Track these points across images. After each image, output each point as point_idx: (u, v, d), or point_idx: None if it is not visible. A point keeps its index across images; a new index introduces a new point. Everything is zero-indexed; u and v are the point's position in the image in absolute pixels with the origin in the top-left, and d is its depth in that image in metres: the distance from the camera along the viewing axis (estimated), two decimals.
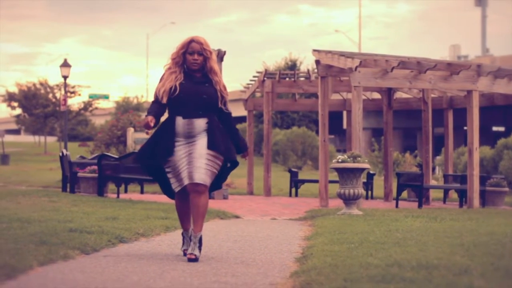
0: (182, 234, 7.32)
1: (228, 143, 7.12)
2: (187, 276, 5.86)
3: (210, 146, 6.97)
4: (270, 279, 5.84)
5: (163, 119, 7.25)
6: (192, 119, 7.00)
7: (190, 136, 6.99)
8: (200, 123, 7.01)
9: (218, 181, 7.28)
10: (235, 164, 7.29)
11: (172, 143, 6.99)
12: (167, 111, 7.19)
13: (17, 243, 6.82)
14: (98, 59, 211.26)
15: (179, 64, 7.13)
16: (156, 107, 7.10)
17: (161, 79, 7.17)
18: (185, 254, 7.16)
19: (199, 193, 6.93)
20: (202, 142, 6.97)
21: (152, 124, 6.95)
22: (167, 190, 7.33)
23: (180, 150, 6.97)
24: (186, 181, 6.92)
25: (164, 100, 7.03)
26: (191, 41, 7.11)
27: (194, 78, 7.12)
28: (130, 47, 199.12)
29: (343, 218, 11.93)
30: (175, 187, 7.04)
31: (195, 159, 6.91)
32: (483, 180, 17.29)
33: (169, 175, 7.07)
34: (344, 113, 37.93)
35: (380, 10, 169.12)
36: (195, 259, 6.84)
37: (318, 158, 17.49)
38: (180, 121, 7.01)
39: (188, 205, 7.10)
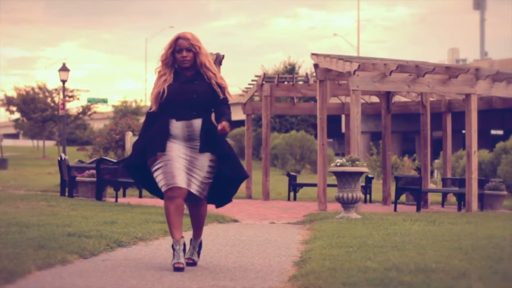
0: (172, 246, 6.60)
1: (219, 143, 6.70)
2: (186, 280, 5.86)
3: (203, 147, 6.62)
4: (268, 283, 5.84)
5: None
6: (190, 120, 6.62)
7: (190, 139, 6.65)
8: (198, 124, 6.64)
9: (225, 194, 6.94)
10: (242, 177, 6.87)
11: (165, 142, 6.59)
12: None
13: (15, 248, 6.82)
14: (97, 63, 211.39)
15: (168, 64, 6.78)
16: (148, 125, 6.76)
17: (154, 87, 6.81)
18: (175, 269, 6.43)
19: (199, 205, 6.82)
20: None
21: None
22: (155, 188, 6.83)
23: (179, 149, 6.58)
24: (182, 184, 6.47)
25: (154, 108, 6.69)
26: (178, 38, 6.75)
27: (183, 77, 6.75)
28: (129, 51, 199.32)
29: (342, 222, 11.93)
30: (162, 185, 6.50)
31: (197, 170, 6.60)
32: (481, 184, 17.29)
33: (157, 172, 6.54)
34: (343, 117, 37.92)
35: (379, 14, 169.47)
36: (193, 264, 6.76)
37: (317, 162, 17.50)
38: (175, 123, 6.63)
39: (180, 210, 6.56)
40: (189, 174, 6.57)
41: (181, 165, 6.54)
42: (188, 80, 6.73)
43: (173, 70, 6.79)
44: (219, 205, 7.04)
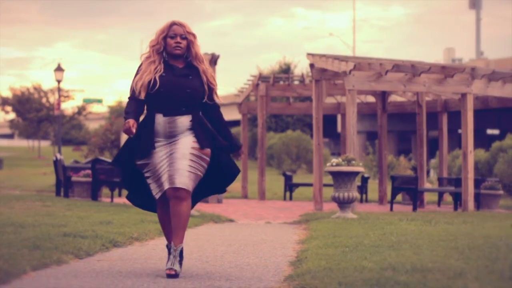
0: (167, 246, 6.35)
1: (214, 137, 6.30)
2: (181, 281, 5.84)
3: (203, 144, 6.18)
4: (264, 283, 5.82)
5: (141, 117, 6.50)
6: (174, 117, 6.17)
7: (171, 136, 6.18)
8: (183, 121, 6.19)
9: (220, 184, 6.53)
10: (236, 148, 6.42)
11: (151, 142, 6.16)
12: (145, 107, 6.36)
13: (10, 248, 6.79)
14: (92, 63, 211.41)
15: (159, 51, 6.29)
16: (134, 105, 6.25)
17: (138, 71, 6.31)
18: (168, 276, 6.07)
19: (180, 200, 6.07)
20: (185, 140, 6.16)
21: (134, 130, 6.08)
22: (144, 201, 6.54)
23: (161, 151, 6.14)
24: (166, 185, 6.08)
25: (142, 96, 6.19)
26: (173, 24, 6.30)
27: (175, 69, 6.27)
28: (124, 51, 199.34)
29: (338, 222, 11.92)
30: (156, 193, 6.16)
31: (177, 159, 6.07)
32: (477, 183, 17.30)
33: (149, 181, 6.20)
34: (339, 116, 37.91)
35: (375, 14, 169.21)
36: (175, 275, 6.00)
37: (313, 162, 17.50)
38: (160, 119, 6.17)
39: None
40: (171, 169, 6.07)
41: (164, 168, 6.10)
42: (182, 73, 6.28)
43: (163, 60, 6.31)
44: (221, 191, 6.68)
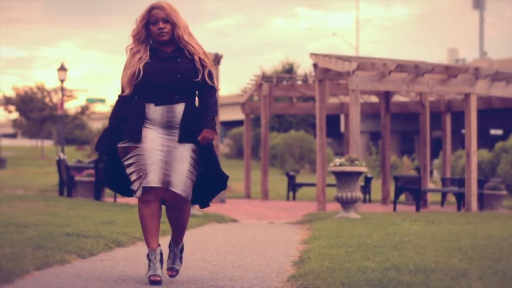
0: (148, 256, 5.70)
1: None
2: (184, 281, 5.84)
3: (183, 138, 5.63)
4: (267, 283, 5.81)
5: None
6: (171, 105, 5.62)
7: (169, 127, 5.65)
8: (181, 110, 5.63)
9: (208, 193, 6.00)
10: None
11: (140, 129, 5.60)
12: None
13: (13, 247, 6.80)
14: (95, 62, 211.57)
15: (141, 40, 5.73)
16: (119, 110, 5.71)
17: (125, 67, 5.75)
18: (151, 282, 5.58)
19: (181, 205, 5.74)
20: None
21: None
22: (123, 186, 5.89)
23: (155, 140, 5.59)
24: (157, 183, 5.53)
25: (128, 91, 5.64)
26: (152, 8, 5.71)
27: (162, 54, 5.70)
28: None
29: (341, 222, 11.91)
30: (135, 184, 5.59)
31: (177, 161, 5.59)
32: (481, 184, 17.28)
33: (130, 169, 5.60)
34: (342, 116, 37.91)
35: (378, 14, 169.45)
36: (176, 275, 5.93)
37: (316, 162, 17.50)
38: (153, 108, 5.62)
39: (156, 214, 5.67)
40: (167, 169, 5.57)
41: (157, 159, 5.56)
42: (169, 57, 5.70)
43: (149, 47, 5.76)
44: (203, 205, 6.06)
